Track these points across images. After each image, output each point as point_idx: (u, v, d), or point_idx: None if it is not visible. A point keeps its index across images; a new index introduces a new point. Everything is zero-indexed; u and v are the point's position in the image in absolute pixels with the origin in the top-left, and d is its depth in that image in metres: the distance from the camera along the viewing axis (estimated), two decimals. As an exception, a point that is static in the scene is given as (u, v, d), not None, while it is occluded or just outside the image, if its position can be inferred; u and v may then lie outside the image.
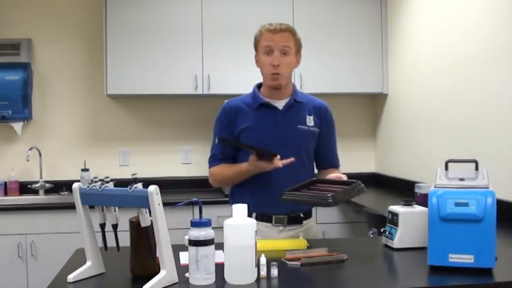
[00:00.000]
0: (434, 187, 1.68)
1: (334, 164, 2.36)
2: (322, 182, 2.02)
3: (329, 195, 1.76)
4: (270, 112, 2.21)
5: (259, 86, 2.29)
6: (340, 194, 1.79)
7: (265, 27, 2.17)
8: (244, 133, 2.20)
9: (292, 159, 2.05)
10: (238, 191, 2.26)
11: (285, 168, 2.09)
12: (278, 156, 2.03)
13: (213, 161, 2.28)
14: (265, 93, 2.24)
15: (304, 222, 2.26)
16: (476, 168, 1.74)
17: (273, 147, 2.11)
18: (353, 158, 4.40)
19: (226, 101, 2.34)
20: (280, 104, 2.22)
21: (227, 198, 2.38)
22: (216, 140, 2.09)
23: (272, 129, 2.19)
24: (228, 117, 2.24)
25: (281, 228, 2.20)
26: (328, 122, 2.30)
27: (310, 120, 2.23)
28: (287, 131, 2.19)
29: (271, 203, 2.11)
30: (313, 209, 2.35)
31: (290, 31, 2.16)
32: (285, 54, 2.14)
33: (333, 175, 2.07)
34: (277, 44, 2.12)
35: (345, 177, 2.03)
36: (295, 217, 2.22)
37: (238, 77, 3.70)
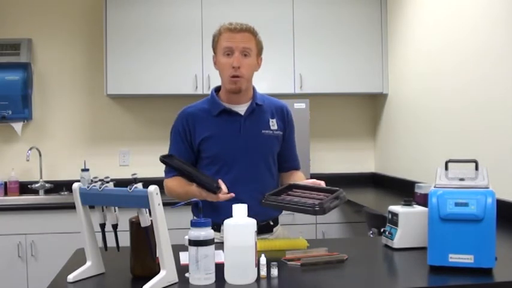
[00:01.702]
0: (434, 187, 1.67)
1: (296, 166, 2.25)
2: (299, 187, 1.90)
3: (316, 203, 1.68)
4: (232, 118, 2.08)
5: (217, 90, 2.16)
6: (327, 203, 1.70)
7: (224, 26, 2.03)
8: (206, 142, 2.07)
9: (232, 194, 1.85)
10: (203, 201, 2.05)
11: (251, 175, 2.05)
12: (223, 189, 1.84)
13: (169, 171, 2.11)
14: (225, 98, 2.11)
15: (274, 229, 2.17)
16: (476, 168, 1.74)
17: (238, 155, 2.05)
18: (353, 158, 4.41)
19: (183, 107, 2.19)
20: (241, 109, 2.09)
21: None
22: (170, 152, 1.87)
23: (236, 137, 2.06)
24: (184, 126, 2.09)
25: None
26: (290, 124, 2.20)
27: (273, 124, 2.12)
28: (251, 137, 2.07)
29: None
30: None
31: (251, 31, 2.04)
32: (246, 56, 2.02)
33: (309, 181, 1.96)
34: (238, 45, 2.00)
35: (322, 184, 1.93)
36: (265, 225, 2.12)
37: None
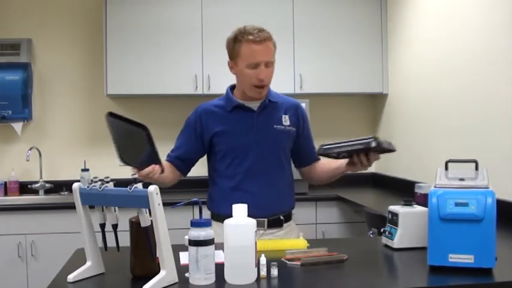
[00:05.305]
0: (434, 187, 1.67)
1: (317, 158, 2.31)
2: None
3: (371, 138, 1.87)
4: (245, 114, 2.15)
5: (232, 87, 2.23)
6: (379, 138, 1.88)
7: (245, 37, 2.03)
8: (219, 137, 2.14)
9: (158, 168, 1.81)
10: (215, 194, 2.21)
11: (262, 168, 2.12)
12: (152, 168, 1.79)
13: (166, 156, 2.24)
14: (239, 95, 2.18)
15: (285, 225, 2.21)
16: (476, 168, 1.74)
17: (250, 148, 2.12)
18: (353, 158, 4.40)
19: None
20: (254, 106, 2.16)
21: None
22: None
23: (248, 131, 2.13)
24: (197, 119, 2.18)
25: (261, 231, 2.13)
26: (305, 120, 2.27)
27: (286, 120, 2.18)
28: (264, 132, 2.14)
29: (250, 204, 2.07)
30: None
31: (270, 39, 2.07)
32: (268, 66, 2.07)
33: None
34: (263, 60, 2.04)
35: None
36: (275, 220, 2.18)
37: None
